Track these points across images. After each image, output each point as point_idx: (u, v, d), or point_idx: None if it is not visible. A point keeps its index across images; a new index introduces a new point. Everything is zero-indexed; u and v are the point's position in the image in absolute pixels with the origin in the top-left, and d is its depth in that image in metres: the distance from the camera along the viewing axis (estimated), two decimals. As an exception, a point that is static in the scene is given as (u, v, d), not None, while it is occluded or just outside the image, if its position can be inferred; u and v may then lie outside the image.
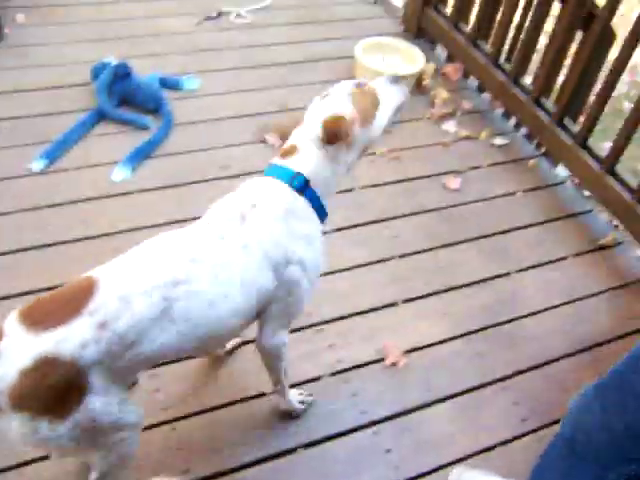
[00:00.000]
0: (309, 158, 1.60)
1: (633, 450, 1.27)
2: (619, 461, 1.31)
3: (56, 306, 1.33)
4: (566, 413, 1.49)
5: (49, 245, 2.40)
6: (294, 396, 2.00)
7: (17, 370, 1.24)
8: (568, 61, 3.14)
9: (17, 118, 2.92)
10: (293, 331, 2.24)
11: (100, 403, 1.34)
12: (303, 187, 1.60)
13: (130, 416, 1.44)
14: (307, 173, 1.60)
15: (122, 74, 3.03)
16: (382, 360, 2.20)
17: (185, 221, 2.54)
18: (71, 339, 1.28)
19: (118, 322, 1.33)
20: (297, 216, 1.60)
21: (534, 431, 2.07)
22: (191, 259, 1.46)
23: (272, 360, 1.81)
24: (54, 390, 1.27)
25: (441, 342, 2.29)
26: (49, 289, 2.12)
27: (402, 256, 2.59)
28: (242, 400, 2.03)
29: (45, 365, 1.25)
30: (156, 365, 1.66)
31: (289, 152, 1.63)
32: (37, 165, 2.67)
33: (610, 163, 2.80)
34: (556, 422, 2.02)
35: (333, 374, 2.15)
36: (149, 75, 3.16)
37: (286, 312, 1.69)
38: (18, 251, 2.35)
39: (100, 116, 2.96)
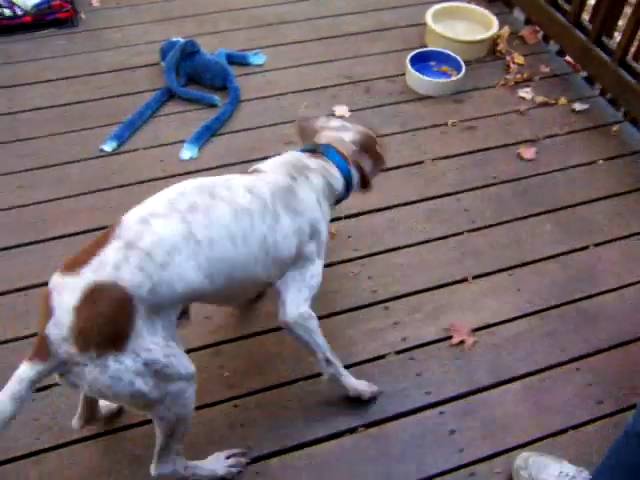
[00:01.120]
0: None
1: None
2: None
3: (87, 251, 1.40)
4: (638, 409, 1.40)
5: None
6: (357, 382, 1.93)
7: (70, 310, 1.31)
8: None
9: (89, 101, 2.99)
10: (357, 308, 2.22)
11: (147, 332, 1.38)
12: (349, 173, 1.88)
13: (180, 361, 1.46)
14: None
15: (189, 52, 3.04)
16: (449, 338, 2.14)
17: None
18: (104, 264, 1.35)
19: (141, 240, 1.39)
20: (329, 195, 1.84)
21: (610, 415, 1.96)
22: (210, 194, 1.53)
23: (303, 334, 1.75)
24: (107, 317, 1.33)
25: (512, 320, 2.20)
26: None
27: (473, 230, 2.49)
28: (306, 378, 2.02)
29: (92, 295, 1.32)
30: (194, 300, 1.60)
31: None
32: (108, 146, 2.73)
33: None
34: (634, 406, 1.90)
35: (398, 352, 2.11)
36: (216, 52, 3.15)
37: (303, 283, 1.74)
38: (90, 231, 2.41)
39: (168, 95, 2.98)
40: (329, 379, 1.87)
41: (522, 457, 1.80)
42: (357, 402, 1.95)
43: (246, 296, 1.96)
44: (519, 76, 3.19)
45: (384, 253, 2.39)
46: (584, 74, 3.29)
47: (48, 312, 1.33)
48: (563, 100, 3.09)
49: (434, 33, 3.26)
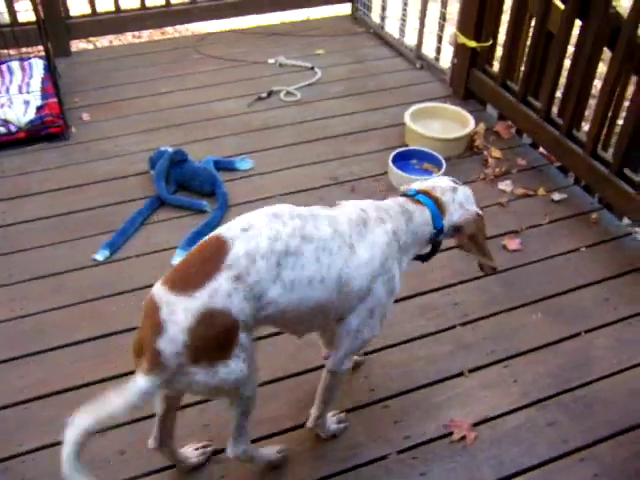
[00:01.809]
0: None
1: None
2: None
3: (195, 269, 1.57)
4: None
5: (110, 335, 2.45)
6: (330, 421, 2.12)
7: (185, 330, 1.49)
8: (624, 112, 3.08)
9: (83, 211, 3.05)
10: (357, 408, 2.21)
11: (245, 337, 1.59)
12: (441, 227, 1.91)
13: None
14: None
15: (179, 160, 3.14)
16: (450, 434, 2.13)
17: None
18: (219, 292, 1.52)
19: (248, 276, 1.56)
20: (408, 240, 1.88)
21: (619, 505, 1.94)
22: (302, 235, 1.66)
23: (334, 385, 1.95)
24: (218, 338, 1.53)
25: (511, 412, 2.21)
26: (114, 378, 2.19)
27: (464, 324, 2.53)
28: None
29: (206, 319, 1.50)
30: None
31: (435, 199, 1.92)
32: (101, 255, 2.77)
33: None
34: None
35: (400, 452, 2.09)
36: (204, 159, 3.26)
37: (362, 330, 1.83)
38: (88, 340, 2.42)
39: (159, 203, 3.06)
40: (314, 425, 2.06)
41: None
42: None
43: (315, 328, 1.96)
44: (498, 170, 3.31)
45: (379, 351, 2.41)
46: (558, 164, 3.43)
47: (157, 325, 1.49)
48: (542, 190, 3.20)
49: (414, 132, 3.40)
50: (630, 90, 3.16)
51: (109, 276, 2.71)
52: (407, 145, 3.44)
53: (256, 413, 1.81)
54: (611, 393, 2.27)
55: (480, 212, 1.97)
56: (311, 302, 1.68)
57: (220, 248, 1.58)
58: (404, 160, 3.28)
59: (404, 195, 1.94)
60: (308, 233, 1.67)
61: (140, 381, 1.48)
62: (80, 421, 1.44)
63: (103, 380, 2.25)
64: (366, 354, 2.37)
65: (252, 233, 1.62)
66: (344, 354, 1.87)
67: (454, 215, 1.92)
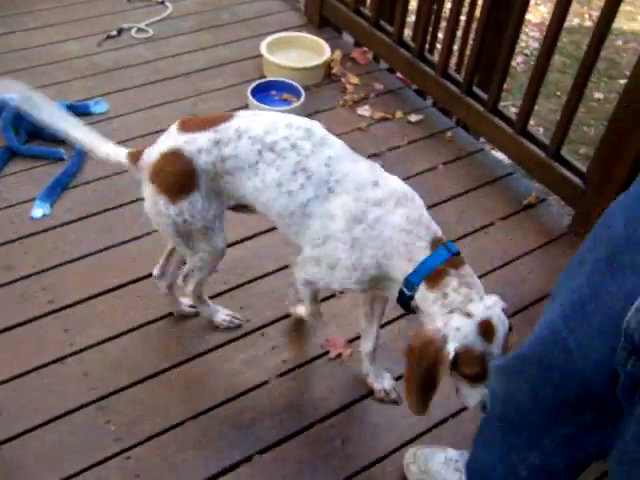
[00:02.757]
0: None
1: (562, 415, 1.32)
2: (551, 427, 1.36)
3: (201, 121, 1.84)
4: (489, 393, 1.54)
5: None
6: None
7: (158, 153, 1.81)
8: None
9: None
10: (236, 339, 2.26)
11: (200, 204, 1.80)
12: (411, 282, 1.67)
13: (218, 236, 1.90)
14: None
15: (27, 108, 2.96)
16: (327, 354, 2.23)
17: (115, 246, 2.53)
18: (193, 143, 1.77)
19: (226, 146, 1.76)
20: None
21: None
22: (293, 145, 1.73)
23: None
24: (173, 176, 1.79)
25: (383, 326, 2.32)
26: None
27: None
28: (195, 416, 2.03)
29: (172, 155, 1.78)
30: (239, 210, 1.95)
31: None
32: (-49, 214, 2.60)
33: (522, 124, 2.87)
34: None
35: (280, 375, 2.17)
36: (56, 104, 3.09)
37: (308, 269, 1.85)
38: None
39: (10, 154, 2.89)
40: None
41: (410, 452, 1.91)
42: (250, 430, 1.99)
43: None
44: (356, 96, 3.37)
45: (254, 281, 2.45)
46: (415, 87, 3.54)
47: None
48: (399, 113, 3.30)
49: (271, 63, 3.38)
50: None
51: (-37, 235, 2.56)
52: (265, 77, 3.42)
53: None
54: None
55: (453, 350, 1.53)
56: (274, 209, 1.78)
57: (224, 118, 1.80)
58: (263, 92, 3.26)
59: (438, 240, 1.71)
60: (300, 147, 1.73)
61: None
62: None
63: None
64: (239, 286, 2.42)
65: (255, 118, 1.80)
66: (299, 278, 1.90)
67: (435, 305, 1.61)
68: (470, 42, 3.46)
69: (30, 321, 2.27)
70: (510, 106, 4.58)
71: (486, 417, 1.59)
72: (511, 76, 4.78)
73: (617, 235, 1.14)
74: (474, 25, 3.31)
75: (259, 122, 1.78)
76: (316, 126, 1.80)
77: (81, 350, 2.20)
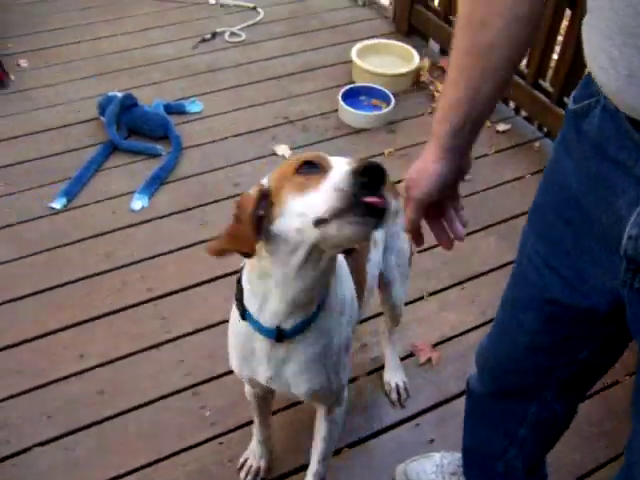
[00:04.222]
0: None
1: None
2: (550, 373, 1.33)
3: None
4: (469, 379, 1.58)
5: (76, 280, 2.46)
6: None
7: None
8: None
9: (31, 160, 2.99)
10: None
11: None
12: None
13: None
14: None
15: (129, 105, 3.10)
16: (413, 356, 2.25)
17: (209, 240, 2.61)
18: None
19: None
20: None
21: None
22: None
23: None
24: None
25: (471, 330, 2.34)
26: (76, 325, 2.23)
27: (422, 250, 2.63)
28: (285, 408, 2.09)
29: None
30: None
31: None
32: (58, 204, 2.74)
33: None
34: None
35: (369, 373, 2.20)
36: (153, 103, 3.22)
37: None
38: (52, 288, 2.42)
39: (112, 148, 3.03)
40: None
41: (399, 471, 1.90)
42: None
43: None
44: (444, 103, 3.39)
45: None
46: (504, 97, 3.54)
47: None
48: (487, 122, 3.30)
49: (361, 69, 3.44)
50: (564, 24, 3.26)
51: (67, 224, 2.69)
52: (354, 82, 3.48)
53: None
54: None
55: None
56: None
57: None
58: (353, 97, 3.32)
59: None
60: None
61: None
62: None
63: (65, 328, 2.28)
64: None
65: None
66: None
67: None
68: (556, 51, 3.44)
69: (130, 307, 2.38)
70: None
71: (471, 395, 1.59)
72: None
73: None
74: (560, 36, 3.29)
75: None
76: None
77: (176, 338, 2.29)
